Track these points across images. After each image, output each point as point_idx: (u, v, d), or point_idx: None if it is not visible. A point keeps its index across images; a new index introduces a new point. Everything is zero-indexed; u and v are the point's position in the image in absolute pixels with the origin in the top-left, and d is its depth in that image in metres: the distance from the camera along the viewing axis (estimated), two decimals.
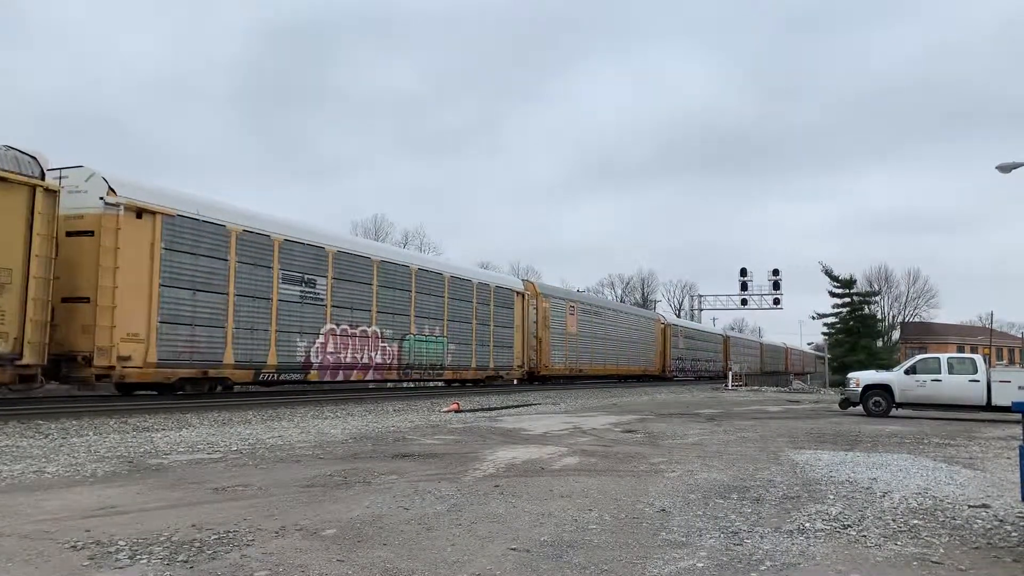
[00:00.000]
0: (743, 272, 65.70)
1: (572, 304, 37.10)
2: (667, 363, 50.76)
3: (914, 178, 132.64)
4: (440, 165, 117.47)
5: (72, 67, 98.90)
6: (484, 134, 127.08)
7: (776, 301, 65.77)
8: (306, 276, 19.70)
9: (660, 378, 49.66)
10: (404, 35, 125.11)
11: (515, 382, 32.55)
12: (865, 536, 5.29)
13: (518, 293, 31.66)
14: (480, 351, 28.16)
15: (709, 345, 61.14)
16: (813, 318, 61.02)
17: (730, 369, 51.60)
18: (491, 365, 28.92)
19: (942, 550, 4.96)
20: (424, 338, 24.73)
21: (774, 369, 77.85)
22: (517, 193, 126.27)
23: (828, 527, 5.54)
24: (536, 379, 33.65)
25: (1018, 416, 6.11)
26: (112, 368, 14.57)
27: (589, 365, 37.97)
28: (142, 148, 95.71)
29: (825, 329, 58.80)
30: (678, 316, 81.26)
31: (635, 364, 45.26)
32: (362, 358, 21.70)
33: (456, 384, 28.91)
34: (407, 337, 23.82)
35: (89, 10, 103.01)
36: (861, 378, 19.34)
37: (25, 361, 12.93)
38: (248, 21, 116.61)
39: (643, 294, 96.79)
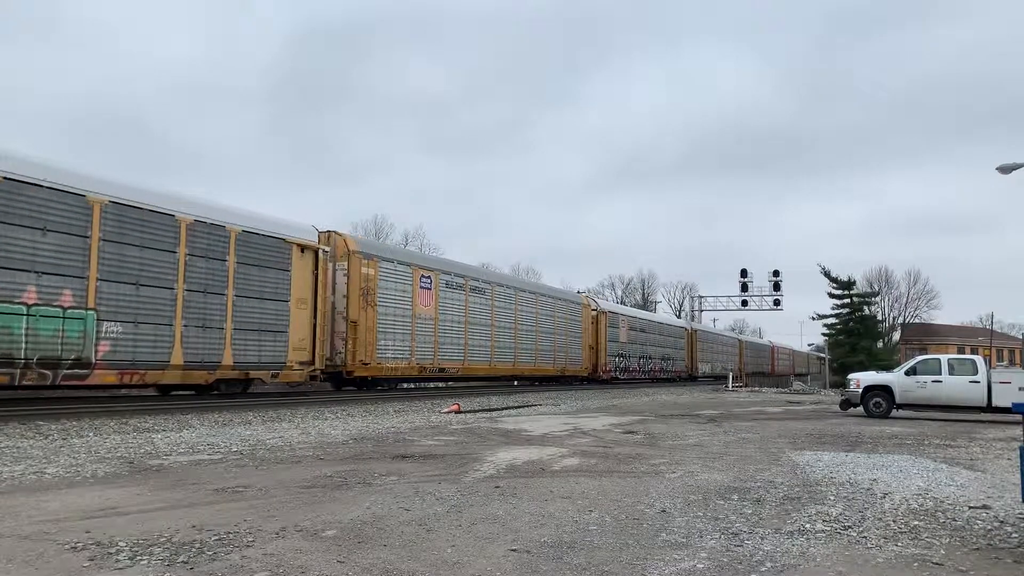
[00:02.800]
0: (743, 273, 65.60)
1: (427, 273, 24.82)
2: (601, 361, 38.85)
3: (939, 179, 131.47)
4: (468, 166, 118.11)
5: (106, 68, 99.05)
6: (515, 135, 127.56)
7: (776, 302, 65.72)
8: None
9: (591, 380, 38.79)
10: (444, 36, 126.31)
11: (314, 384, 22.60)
12: (866, 537, 5.29)
13: (302, 247, 19.25)
14: (199, 337, 16.52)
15: (667, 340, 50.06)
16: (813, 319, 61.17)
17: (730, 371, 51.09)
18: (229, 361, 17.11)
19: (943, 551, 4.96)
20: (23, 309, 13.30)
21: (757, 370, 68.99)
22: (542, 195, 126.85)
23: (829, 528, 5.54)
24: (351, 383, 23.22)
25: (1018, 417, 6.12)
26: None
27: (461, 363, 26.51)
28: (170, 149, 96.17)
29: (825, 330, 58.96)
30: (678, 316, 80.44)
31: (547, 362, 33.30)
32: None
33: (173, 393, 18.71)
34: None
35: (129, 10, 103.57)
36: (861, 379, 19.33)
37: None
38: (288, 22, 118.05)
39: (643, 295, 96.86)
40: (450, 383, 31.56)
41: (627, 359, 42.42)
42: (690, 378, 53.44)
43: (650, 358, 46.13)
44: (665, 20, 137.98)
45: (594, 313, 39.33)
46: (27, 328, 13.45)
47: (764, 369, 72.56)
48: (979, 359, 18.68)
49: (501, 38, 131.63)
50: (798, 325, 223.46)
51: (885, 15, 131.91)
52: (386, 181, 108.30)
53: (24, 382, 13.63)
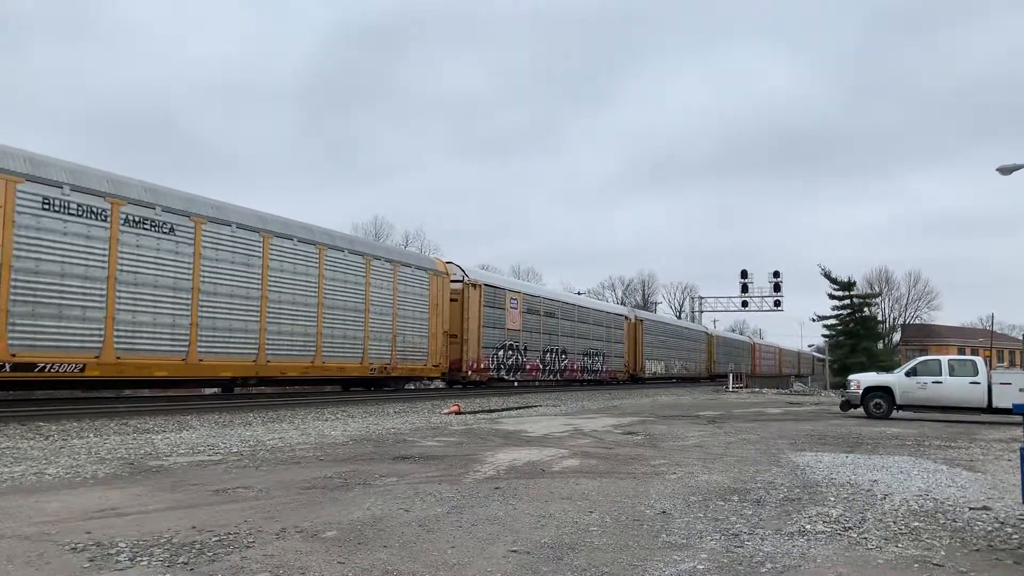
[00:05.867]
0: (744, 274, 65.74)
1: None
2: (470, 355, 26.96)
3: (958, 180, 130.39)
4: (496, 167, 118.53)
5: (141, 67, 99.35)
6: (546, 136, 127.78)
7: (777, 303, 65.75)
8: None
9: (457, 383, 28.11)
10: (483, 36, 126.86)
11: None
12: (866, 538, 5.29)
13: None
14: None
15: (595, 330, 38.81)
16: (813, 320, 61.01)
17: (731, 372, 50.44)
18: None
19: (943, 552, 4.96)
20: None
21: (734, 371, 57.70)
22: (564, 196, 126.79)
23: (829, 529, 5.54)
24: None
25: (1019, 418, 6.12)
26: None
27: (92, 355, 14.38)
28: (203, 150, 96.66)
29: (825, 331, 58.93)
30: (678, 317, 79.32)
31: (347, 354, 20.90)
32: None
33: None
34: None
35: (167, 10, 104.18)
36: (862, 380, 19.34)
37: None
38: (326, 22, 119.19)
39: (643, 296, 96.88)
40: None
41: (520, 353, 30.55)
42: (632, 380, 43.64)
43: (564, 353, 34.85)
44: (707, 21, 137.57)
45: (456, 285, 26.76)
46: None
47: (743, 369, 61.99)
48: (979, 360, 18.69)
49: (540, 39, 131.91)
50: (799, 326, 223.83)
51: (935, 14, 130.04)
52: (414, 182, 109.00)
53: None
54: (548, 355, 33.49)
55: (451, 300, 26.38)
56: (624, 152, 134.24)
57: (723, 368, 59.32)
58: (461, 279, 27.27)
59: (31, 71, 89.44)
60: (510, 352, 29.92)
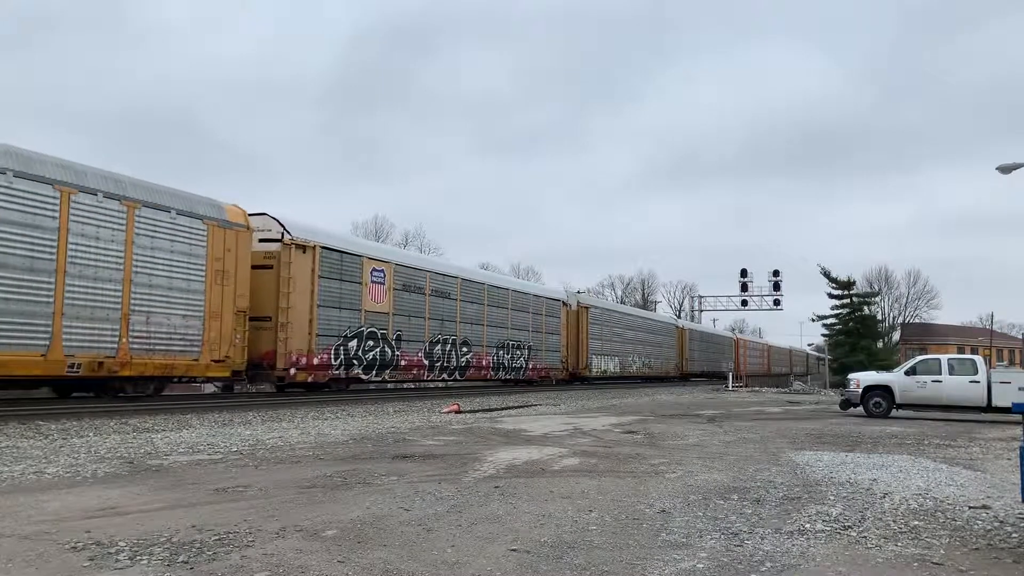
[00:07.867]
0: (743, 273, 65.72)
1: None
2: (295, 347, 18.72)
3: (965, 179, 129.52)
4: (518, 166, 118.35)
5: (165, 67, 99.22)
6: (571, 135, 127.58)
7: (776, 302, 65.73)
8: None
9: (277, 384, 20.52)
10: (510, 35, 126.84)
11: None
12: (866, 537, 5.29)
13: None
14: None
15: (514, 316, 30.38)
16: (813, 320, 61.11)
17: (730, 371, 50.35)
18: None
19: (942, 551, 4.96)
20: None
21: (712, 369, 55.29)
22: (584, 196, 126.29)
23: (829, 528, 5.54)
24: None
25: (1018, 417, 6.12)
26: None
27: None
28: (221, 148, 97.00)
29: (825, 330, 59.02)
30: (678, 317, 79.12)
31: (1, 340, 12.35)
32: None
33: None
34: None
35: (191, 10, 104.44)
36: (861, 379, 19.35)
37: None
38: (351, 23, 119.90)
39: (643, 295, 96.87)
40: None
41: (389, 344, 22.86)
42: (574, 379, 36.61)
43: (467, 345, 26.87)
44: (733, 20, 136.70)
45: (272, 246, 18.87)
46: None
47: (724, 368, 55.22)
48: (979, 359, 18.70)
49: (565, 38, 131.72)
50: (799, 325, 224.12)
51: (969, 13, 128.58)
52: (429, 181, 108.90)
53: None
54: (439, 347, 25.30)
55: (261, 267, 18.52)
56: (644, 152, 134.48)
57: (698, 366, 53.10)
58: (279, 238, 18.88)
59: (55, 68, 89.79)
60: (371, 343, 21.96)
